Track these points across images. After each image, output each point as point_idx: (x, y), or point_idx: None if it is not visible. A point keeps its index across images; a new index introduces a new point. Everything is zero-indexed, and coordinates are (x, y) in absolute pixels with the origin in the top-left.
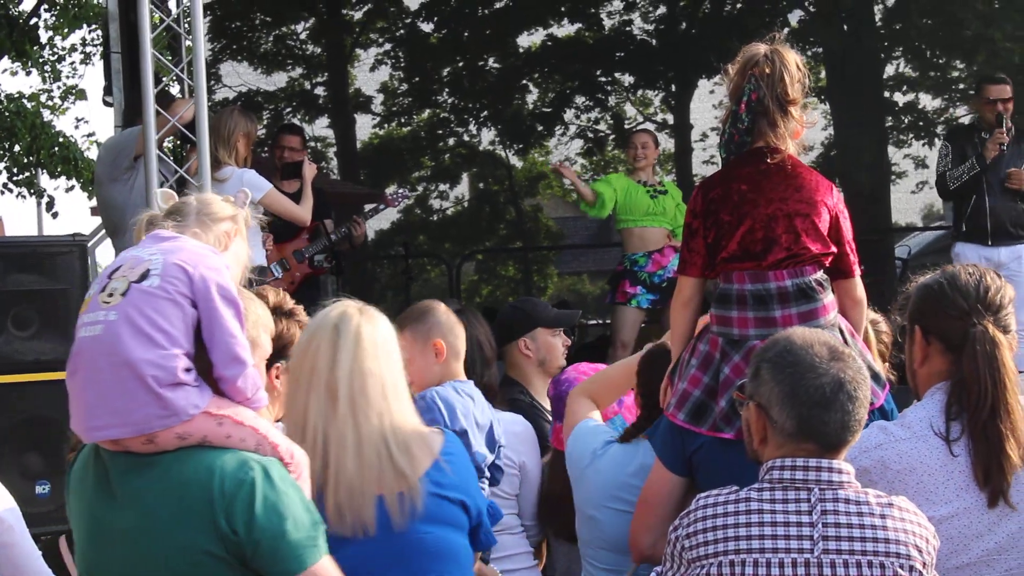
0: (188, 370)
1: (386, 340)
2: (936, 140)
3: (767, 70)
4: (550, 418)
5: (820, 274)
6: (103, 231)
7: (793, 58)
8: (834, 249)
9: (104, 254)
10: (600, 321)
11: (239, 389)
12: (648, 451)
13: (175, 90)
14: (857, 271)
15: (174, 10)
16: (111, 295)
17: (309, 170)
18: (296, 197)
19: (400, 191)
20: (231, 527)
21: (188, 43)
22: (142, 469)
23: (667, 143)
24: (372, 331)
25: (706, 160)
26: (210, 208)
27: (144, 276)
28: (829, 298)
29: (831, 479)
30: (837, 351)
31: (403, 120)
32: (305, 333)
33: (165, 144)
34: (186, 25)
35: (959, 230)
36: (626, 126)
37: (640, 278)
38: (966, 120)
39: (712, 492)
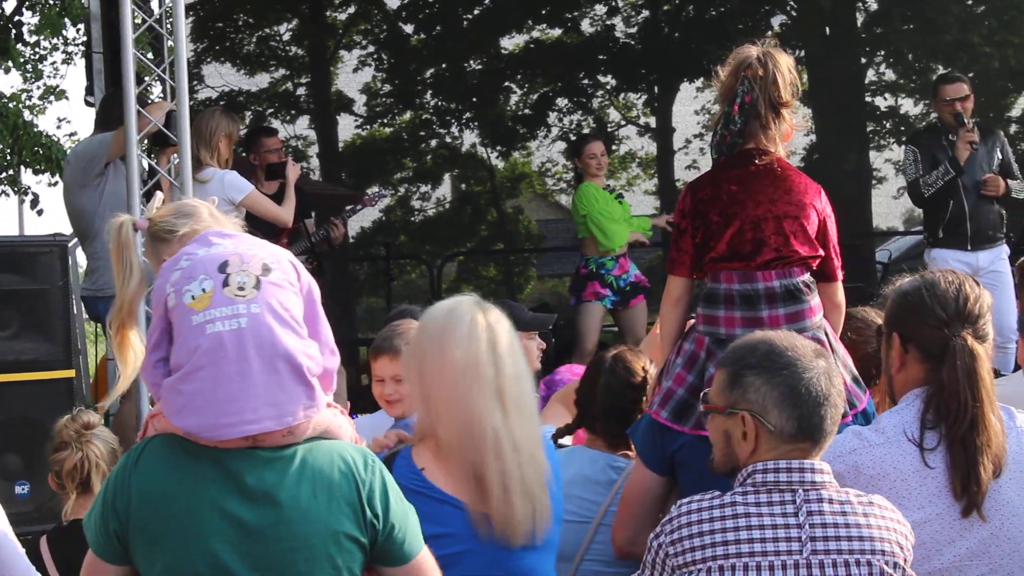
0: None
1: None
2: None
3: (760, 72)
4: None
5: (807, 276)
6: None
7: (785, 60)
8: (821, 252)
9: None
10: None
11: (333, 380)
12: (585, 460)
13: (157, 90)
14: (840, 275)
15: (156, 10)
16: (242, 288)
17: (292, 171)
18: (276, 198)
19: (377, 191)
20: (373, 512)
21: (170, 43)
22: (274, 463)
23: (650, 146)
24: (509, 335)
25: (688, 165)
26: (215, 212)
27: (267, 269)
28: (815, 300)
29: (814, 480)
30: (817, 348)
31: (385, 121)
32: (443, 321)
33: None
34: (168, 25)
35: (935, 236)
36: (609, 129)
37: (607, 281)
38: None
39: (694, 497)
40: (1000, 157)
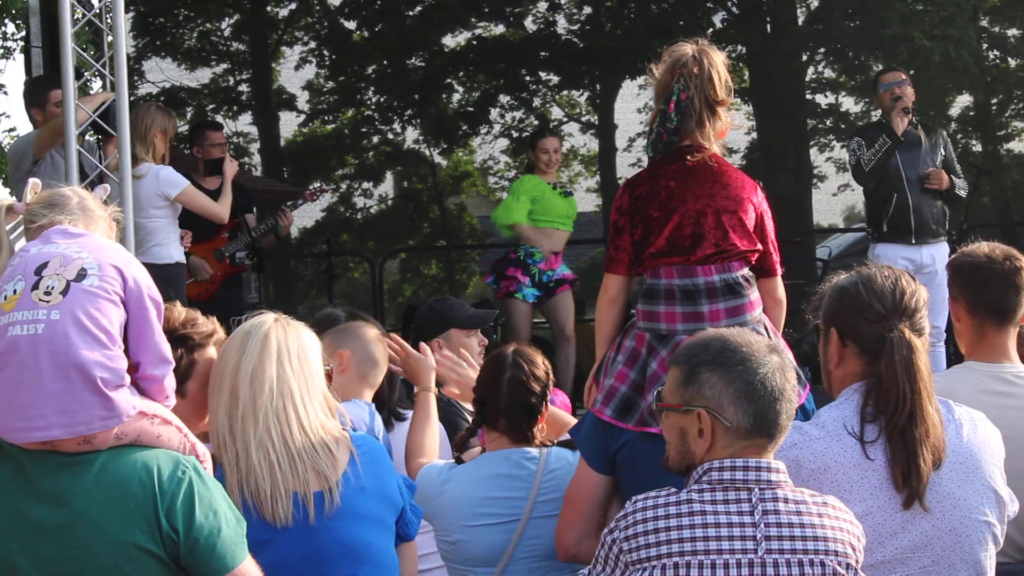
0: (127, 371)
1: (300, 346)
2: None
3: (695, 70)
4: (467, 416)
5: (746, 270)
6: (22, 227)
7: (720, 59)
8: (760, 246)
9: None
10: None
11: (164, 388)
12: (493, 461)
13: (96, 85)
14: (779, 270)
15: (96, 5)
16: (48, 293)
17: (230, 167)
18: (218, 193)
19: (319, 185)
20: (171, 525)
21: (110, 38)
22: (71, 468)
23: (592, 143)
24: (283, 337)
25: (632, 163)
26: (87, 203)
27: (82, 275)
28: (755, 295)
29: (769, 479)
30: (770, 343)
31: (327, 118)
32: (226, 343)
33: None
34: (108, 20)
35: (879, 231)
36: (551, 125)
37: (531, 272)
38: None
39: (649, 494)
40: (943, 154)
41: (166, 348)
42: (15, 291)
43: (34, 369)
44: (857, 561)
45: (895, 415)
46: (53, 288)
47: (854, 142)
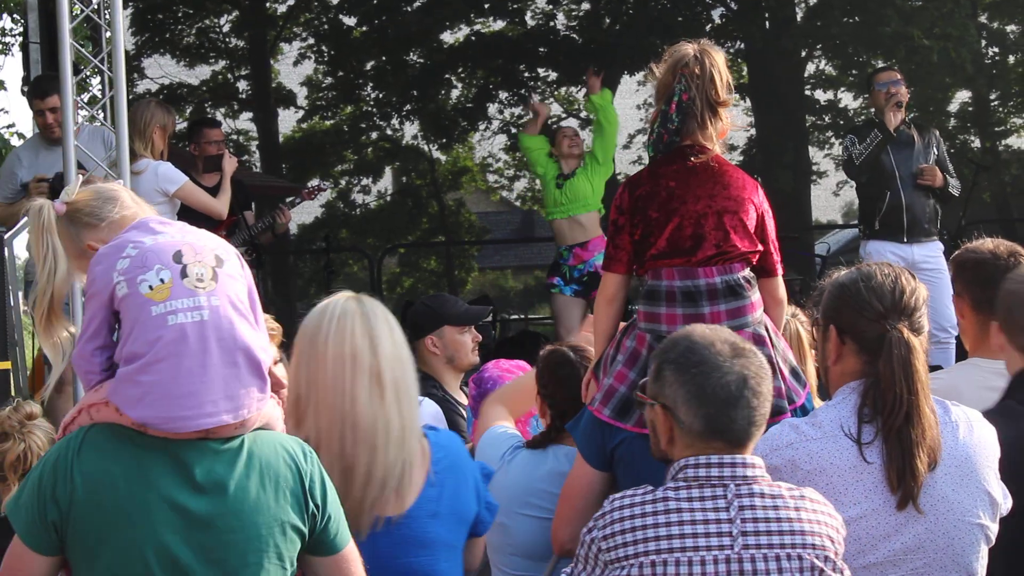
0: None
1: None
2: None
3: (697, 71)
4: (463, 412)
5: (747, 271)
6: (21, 222)
7: (721, 59)
8: (760, 247)
9: (23, 245)
10: (522, 316)
11: (271, 373)
12: (558, 456)
13: (95, 82)
14: (780, 270)
15: (94, 1)
16: (201, 280)
17: (229, 164)
18: (216, 190)
19: (317, 183)
20: (314, 502)
21: (108, 34)
22: (223, 454)
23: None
24: (392, 319)
25: (633, 160)
26: (136, 198)
27: (220, 261)
28: (756, 296)
29: (745, 474)
30: (738, 347)
31: (326, 114)
32: (318, 318)
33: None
34: (106, 16)
35: (871, 228)
36: (551, 123)
37: (561, 271)
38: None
39: (627, 492)
40: (936, 153)
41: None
42: (162, 280)
43: (204, 355)
44: (836, 553)
45: (892, 415)
46: (203, 275)
47: (847, 139)
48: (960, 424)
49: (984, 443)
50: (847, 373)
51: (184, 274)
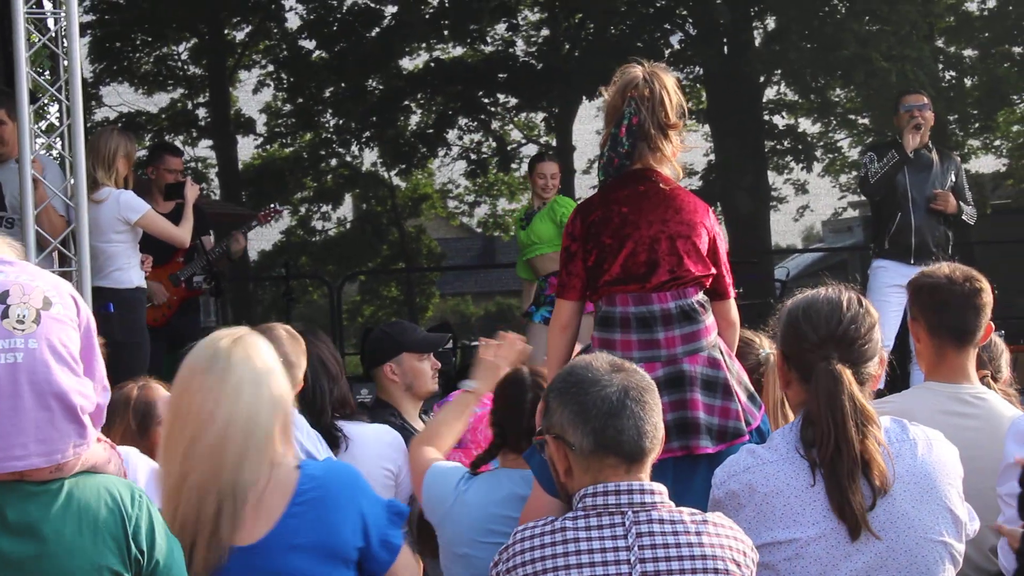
0: None
1: (267, 369)
2: (815, 164)
3: (646, 93)
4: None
5: (701, 295)
6: None
7: (671, 81)
8: (713, 270)
9: None
10: (485, 342)
11: (102, 416)
12: (513, 479)
13: (53, 110)
14: (732, 292)
15: (52, 28)
16: (21, 321)
17: (191, 191)
18: (172, 217)
19: (273, 206)
20: (138, 547)
21: (66, 63)
22: (38, 497)
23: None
24: (249, 362)
25: (592, 185)
26: None
27: (48, 303)
28: (710, 319)
29: (644, 500)
30: (617, 363)
31: (285, 141)
32: (182, 369)
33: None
34: (64, 44)
35: (881, 247)
36: (508, 148)
37: (541, 300)
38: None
39: (528, 524)
40: (954, 180)
41: (105, 376)
42: None
43: (14, 398)
44: None
45: (822, 447)
46: (25, 316)
47: (866, 156)
48: (919, 442)
49: (944, 462)
50: (795, 399)
51: (5, 315)
